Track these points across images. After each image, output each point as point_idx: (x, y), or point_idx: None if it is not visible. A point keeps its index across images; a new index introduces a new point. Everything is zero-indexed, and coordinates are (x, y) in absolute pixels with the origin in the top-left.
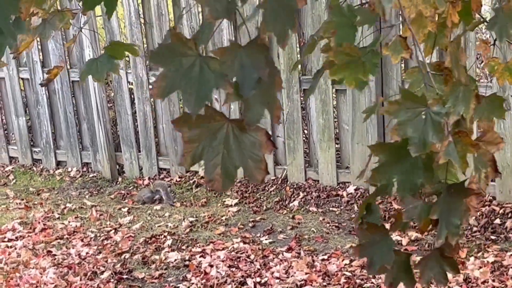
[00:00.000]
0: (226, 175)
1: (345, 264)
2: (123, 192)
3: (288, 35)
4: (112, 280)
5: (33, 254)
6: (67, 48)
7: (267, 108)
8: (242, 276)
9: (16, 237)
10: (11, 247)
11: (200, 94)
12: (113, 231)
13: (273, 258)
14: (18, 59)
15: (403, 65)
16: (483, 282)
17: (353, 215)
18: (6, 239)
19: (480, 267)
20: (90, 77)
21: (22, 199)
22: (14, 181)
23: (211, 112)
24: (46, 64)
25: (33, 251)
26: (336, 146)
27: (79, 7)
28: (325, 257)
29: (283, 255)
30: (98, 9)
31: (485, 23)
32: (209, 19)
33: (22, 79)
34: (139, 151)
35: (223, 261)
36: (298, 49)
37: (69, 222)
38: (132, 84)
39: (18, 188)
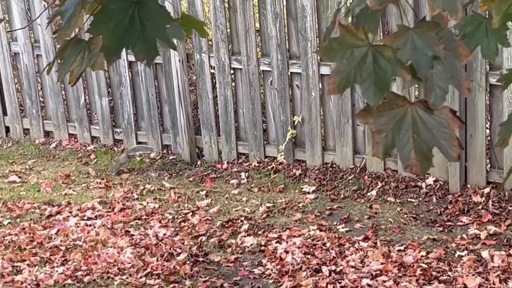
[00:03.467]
0: (423, 157)
1: (422, 256)
2: (201, 175)
3: (459, 10)
4: (188, 262)
5: (112, 233)
6: None
7: (452, 83)
8: (317, 264)
9: (96, 216)
10: (90, 225)
11: (378, 85)
12: (190, 213)
13: (349, 247)
14: None
15: None
16: None
17: (432, 207)
18: (85, 218)
19: None
20: (173, 61)
21: (103, 179)
22: (95, 160)
23: (392, 98)
24: None
25: (112, 230)
26: None
27: None
28: (402, 248)
29: (359, 244)
30: None
31: None
32: (374, 6)
33: None
34: (219, 135)
35: (298, 247)
36: (381, 37)
37: (147, 203)
38: (214, 68)
39: (99, 167)
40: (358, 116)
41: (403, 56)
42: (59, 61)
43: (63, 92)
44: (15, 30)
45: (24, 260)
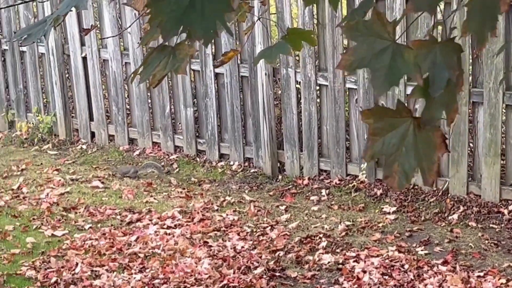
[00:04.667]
0: (403, 174)
1: (502, 284)
2: (282, 190)
3: (487, 38)
4: (264, 276)
5: (190, 243)
6: (239, 43)
7: (445, 109)
8: (395, 285)
9: (175, 225)
10: (169, 234)
11: (389, 78)
12: (269, 227)
13: (428, 270)
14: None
15: None
16: None
17: None
18: (165, 226)
19: None
20: (259, 74)
21: (184, 188)
22: (177, 170)
23: (400, 108)
24: (217, 57)
25: (190, 240)
26: (502, 162)
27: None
28: (481, 274)
29: (438, 268)
30: (273, 7)
31: None
32: (410, 10)
33: (193, 70)
34: (301, 151)
35: (376, 268)
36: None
37: (227, 215)
38: (299, 84)
39: (180, 177)
40: (363, 114)
41: (422, 66)
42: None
43: (149, 101)
44: (106, 38)
45: (103, 265)
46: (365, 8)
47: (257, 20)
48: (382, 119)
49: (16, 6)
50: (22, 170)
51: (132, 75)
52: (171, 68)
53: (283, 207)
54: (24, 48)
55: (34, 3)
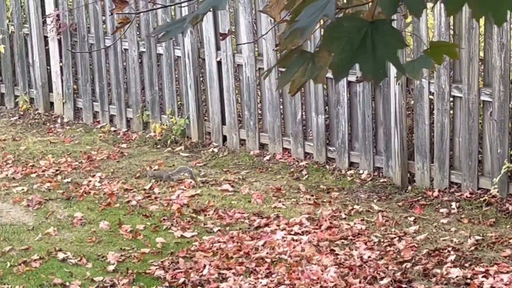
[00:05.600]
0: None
1: None
2: (411, 201)
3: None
4: (390, 287)
5: (317, 250)
6: None
7: None
8: None
9: (302, 232)
10: (296, 240)
11: None
12: (397, 238)
13: None
14: None
15: None
16: None
17: None
18: (292, 232)
19: None
20: (392, 84)
21: (312, 195)
22: (306, 176)
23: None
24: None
25: (317, 247)
26: None
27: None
28: None
29: None
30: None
31: None
32: None
33: (326, 78)
34: (432, 162)
35: (506, 284)
36: None
37: (354, 223)
38: (432, 95)
39: (309, 184)
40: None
41: None
42: (280, 70)
43: (281, 107)
44: (242, 44)
45: (230, 268)
46: None
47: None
48: None
49: (154, 10)
50: (155, 171)
51: (266, 72)
52: (310, 76)
53: (411, 218)
54: (160, 51)
55: (173, 7)
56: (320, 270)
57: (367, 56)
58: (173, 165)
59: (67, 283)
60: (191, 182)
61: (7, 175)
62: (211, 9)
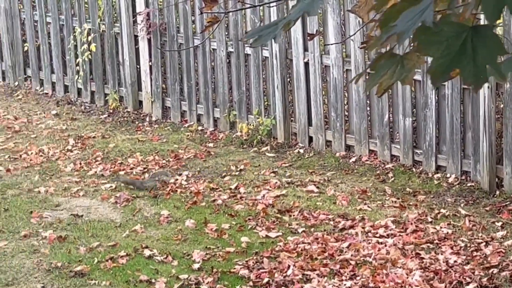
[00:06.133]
0: None
1: None
2: (499, 205)
3: None
4: None
5: (402, 253)
6: None
7: None
8: None
9: (388, 235)
10: (381, 243)
11: None
12: (483, 243)
13: None
14: None
15: None
16: None
17: None
18: (377, 235)
19: None
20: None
21: (398, 198)
22: (392, 179)
23: None
24: None
25: (402, 251)
26: None
27: None
28: None
29: None
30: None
31: None
32: None
33: (414, 80)
34: None
35: None
36: None
37: (441, 227)
38: None
39: (395, 186)
40: None
41: None
42: (370, 73)
43: (368, 108)
44: (330, 44)
45: (315, 270)
46: None
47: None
48: None
49: (243, 10)
50: (240, 170)
51: (356, 77)
52: (398, 78)
53: (499, 224)
54: (248, 51)
55: (261, 7)
56: (405, 273)
57: (467, 61)
58: (259, 165)
59: (153, 280)
60: (276, 182)
61: (96, 172)
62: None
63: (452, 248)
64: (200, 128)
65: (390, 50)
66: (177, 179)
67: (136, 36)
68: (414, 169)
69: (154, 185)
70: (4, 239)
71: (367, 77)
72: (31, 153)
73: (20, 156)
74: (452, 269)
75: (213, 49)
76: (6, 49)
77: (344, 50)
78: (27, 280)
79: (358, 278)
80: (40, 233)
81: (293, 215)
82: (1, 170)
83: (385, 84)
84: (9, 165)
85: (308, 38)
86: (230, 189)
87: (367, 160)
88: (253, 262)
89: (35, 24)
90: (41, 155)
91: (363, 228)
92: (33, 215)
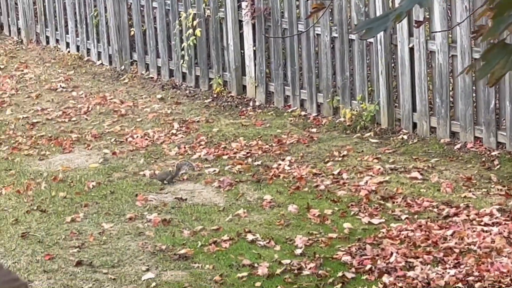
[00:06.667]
0: None
1: None
2: None
3: None
4: None
5: (507, 242)
6: None
7: None
8: None
9: (493, 223)
10: (486, 231)
11: None
12: None
13: None
14: None
15: None
16: None
17: None
18: (482, 223)
19: None
20: None
21: (504, 186)
22: (498, 166)
23: None
24: None
25: (508, 239)
26: None
27: None
28: None
29: None
30: None
31: None
32: None
33: None
34: None
35: None
36: None
37: None
38: None
39: (501, 174)
40: None
41: None
42: (481, 63)
43: (474, 95)
44: (436, 32)
45: (418, 257)
46: None
47: None
48: None
49: None
50: (343, 156)
51: (467, 68)
52: (511, 67)
53: None
54: (353, 37)
55: None
56: (510, 262)
57: None
58: (362, 151)
59: (255, 265)
60: (379, 168)
61: (200, 156)
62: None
63: None
64: (303, 113)
65: (502, 40)
66: (280, 164)
67: (240, 21)
68: None
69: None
70: (110, 221)
71: (472, 61)
72: (137, 136)
73: (126, 139)
74: None
75: (317, 34)
76: (113, 33)
77: (450, 35)
78: (132, 262)
79: (462, 266)
80: (145, 216)
81: (396, 202)
82: (108, 153)
83: (498, 74)
84: (115, 148)
85: (415, 25)
86: (333, 174)
87: (472, 147)
88: (355, 249)
89: (141, 9)
90: (146, 139)
91: (467, 216)
92: (138, 198)
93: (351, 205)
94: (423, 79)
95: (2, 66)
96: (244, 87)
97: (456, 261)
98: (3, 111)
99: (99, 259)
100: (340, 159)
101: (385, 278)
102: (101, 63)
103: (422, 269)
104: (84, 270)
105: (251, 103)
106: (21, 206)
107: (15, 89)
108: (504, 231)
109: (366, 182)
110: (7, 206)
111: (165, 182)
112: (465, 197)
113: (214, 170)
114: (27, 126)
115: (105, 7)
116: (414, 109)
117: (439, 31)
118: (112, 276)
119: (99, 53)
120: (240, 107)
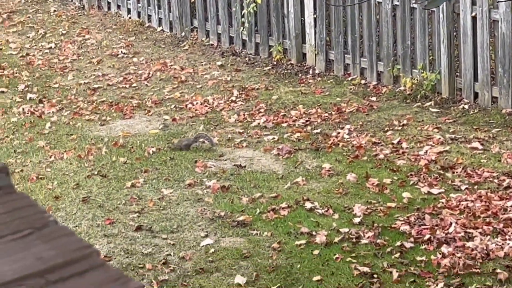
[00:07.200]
0: None
1: None
2: None
3: None
4: None
5: None
6: None
7: None
8: None
9: None
10: None
11: None
12: None
13: None
14: None
15: None
16: None
17: None
18: None
19: None
20: None
21: None
22: None
23: None
24: None
25: None
26: None
27: None
28: None
29: None
30: None
31: None
32: None
33: None
34: None
35: None
36: None
37: None
38: None
39: None
40: None
41: None
42: None
43: None
44: (500, 2)
45: (477, 228)
46: None
47: None
48: None
49: None
50: (403, 125)
51: None
52: None
53: None
54: (414, 5)
55: None
56: None
57: None
58: (422, 120)
59: (313, 233)
60: (439, 138)
61: (259, 123)
62: None
63: None
64: (363, 81)
65: None
66: (339, 133)
67: None
68: None
69: (197, 146)
70: (169, 187)
71: None
72: (196, 103)
73: (186, 106)
74: None
75: (378, 2)
76: (174, 0)
77: None
78: (191, 228)
79: None
80: (204, 182)
81: (456, 172)
82: (167, 119)
83: None
84: (175, 114)
85: None
86: (392, 144)
87: None
88: (414, 218)
89: None
90: (206, 105)
91: None
92: (197, 165)
93: (410, 174)
94: (486, 48)
95: (64, 32)
96: (304, 54)
97: None
98: (65, 76)
99: (159, 224)
100: (399, 128)
101: (444, 248)
102: (162, 30)
103: (481, 240)
104: (143, 235)
105: (310, 71)
106: (82, 171)
107: (77, 55)
108: None
109: (426, 151)
110: (69, 170)
111: (181, 148)
112: None
113: (273, 138)
114: (88, 92)
115: None
116: (475, 79)
117: (503, 0)
118: (171, 241)
119: (159, 20)
120: (300, 74)
